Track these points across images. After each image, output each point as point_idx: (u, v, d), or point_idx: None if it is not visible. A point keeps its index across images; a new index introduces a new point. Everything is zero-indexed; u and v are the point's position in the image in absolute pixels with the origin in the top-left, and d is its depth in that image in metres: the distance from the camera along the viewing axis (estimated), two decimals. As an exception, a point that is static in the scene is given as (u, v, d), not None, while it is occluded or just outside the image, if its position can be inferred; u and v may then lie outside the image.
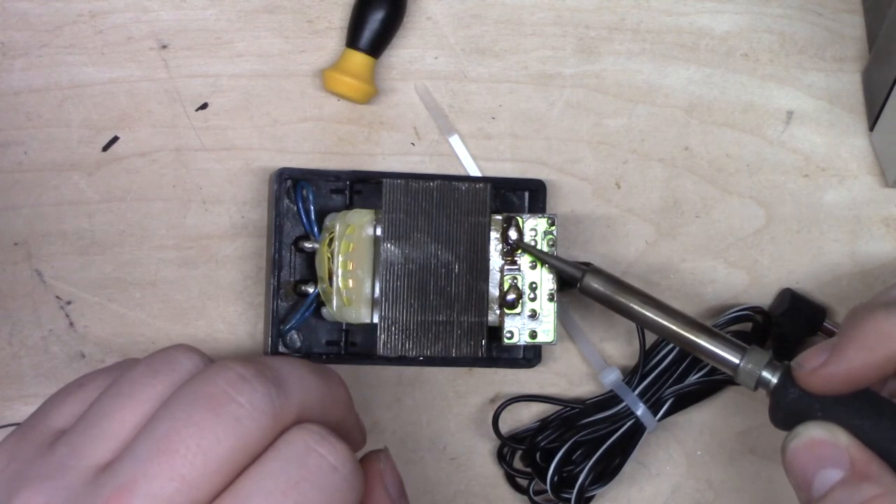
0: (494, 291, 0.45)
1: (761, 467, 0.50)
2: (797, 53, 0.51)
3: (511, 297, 0.45)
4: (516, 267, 0.45)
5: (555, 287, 0.45)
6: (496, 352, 0.47)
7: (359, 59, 0.47)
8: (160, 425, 0.31)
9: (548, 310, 0.45)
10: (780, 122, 0.50)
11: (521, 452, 0.48)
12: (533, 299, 0.45)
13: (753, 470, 0.50)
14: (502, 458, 0.48)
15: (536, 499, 0.48)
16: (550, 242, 0.45)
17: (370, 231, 0.45)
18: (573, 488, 0.46)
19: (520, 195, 0.48)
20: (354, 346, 0.47)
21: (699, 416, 0.49)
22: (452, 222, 0.44)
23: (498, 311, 0.45)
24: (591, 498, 0.47)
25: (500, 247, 0.45)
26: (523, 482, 0.48)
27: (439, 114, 0.48)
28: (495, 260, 0.45)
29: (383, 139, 0.48)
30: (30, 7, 0.47)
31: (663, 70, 0.50)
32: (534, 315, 0.45)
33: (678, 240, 0.50)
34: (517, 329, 0.45)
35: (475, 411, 0.49)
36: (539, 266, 0.45)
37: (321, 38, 0.48)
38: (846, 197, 0.50)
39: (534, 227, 0.45)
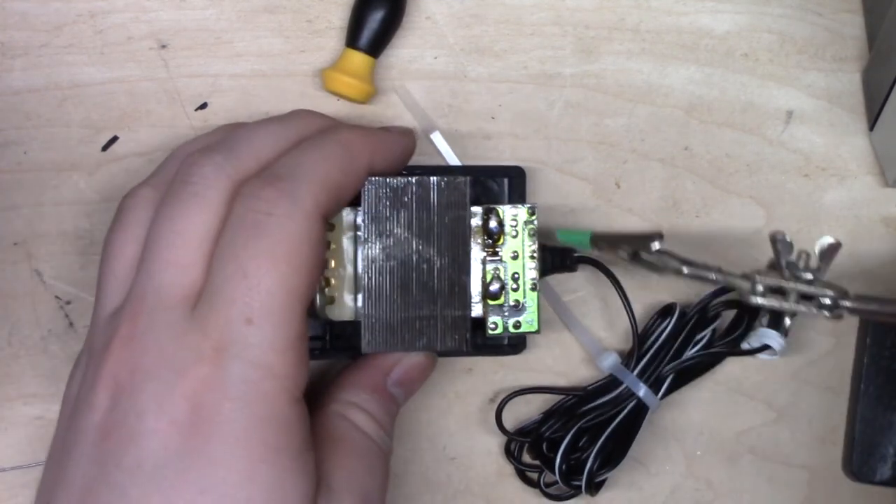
0: (477, 283, 0.45)
1: (761, 467, 0.50)
2: (797, 53, 0.51)
3: (494, 287, 0.45)
4: (498, 258, 0.45)
5: (537, 276, 0.45)
6: (480, 339, 0.47)
7: (358, 58, 0.47)
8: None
9: (531, 299, 0.45)
10: (780, 122, 0.50)
11: (528, 445, 0.48)
12: (516, 289, 0.45)
13: (753, 470, 0.50)
14: (510, 454, 0.48)
15: (548, 490, 0.48)
16: (532, 232, 0.45)
17: (351, 228, 0.44)
18: (582, 474, 0.46)
19: (499, 182, 0.47)
20: (339, 340, 0.46)
21: (699, 416, 0.49)
22: (432, 216, 0.44)
23: (481, 303, 0.45)
24: (602, 483, 0.47)
25: (480, 239, 0.45)
26: (534, 476, 0.48)
27: (419, 112, 0.48)
28: (476, 252, 0.45)
29: (383, 139, 0.48)
30: (30, 7, 0.47)
31: (663, 70, 0.50)
32: (517, 305, 0.45)
33: (678, 240, 0.50)
34: (500, 320, 0.45)
35: (475, 411, 0.49)
36: (521, 256, 0.45)
37: (321, 38, 0.49)
38: (846, 197, 0.50)
39: (514, 217, 0.45)
